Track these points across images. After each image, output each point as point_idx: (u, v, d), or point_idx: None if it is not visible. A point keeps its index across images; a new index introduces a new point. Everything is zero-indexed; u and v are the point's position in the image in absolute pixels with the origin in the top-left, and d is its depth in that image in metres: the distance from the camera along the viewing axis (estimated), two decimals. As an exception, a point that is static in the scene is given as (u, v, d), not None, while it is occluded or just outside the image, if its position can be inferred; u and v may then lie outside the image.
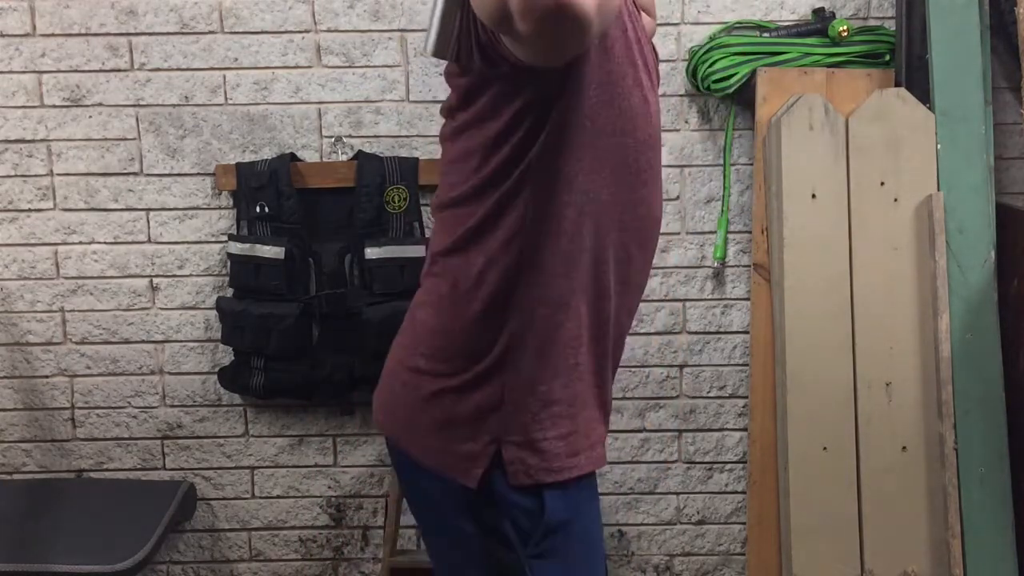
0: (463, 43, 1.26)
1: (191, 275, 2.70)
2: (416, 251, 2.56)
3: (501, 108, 1.29)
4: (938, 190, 2.45)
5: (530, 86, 1.26)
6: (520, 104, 1.28)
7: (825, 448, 2.48)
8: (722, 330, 2.74)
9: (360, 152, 2.61)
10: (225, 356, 2.69)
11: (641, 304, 1.94)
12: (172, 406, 2.76)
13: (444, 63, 1.35)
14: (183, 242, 2.68)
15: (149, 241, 2.68)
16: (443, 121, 1.42)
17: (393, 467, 1.63)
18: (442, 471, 1.42)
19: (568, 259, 1.36)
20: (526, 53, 1.16)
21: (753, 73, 2.53)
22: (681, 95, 2.63)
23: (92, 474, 2.78)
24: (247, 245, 2.55)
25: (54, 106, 2.62)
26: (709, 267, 2.70)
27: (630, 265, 1.44)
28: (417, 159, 2.60)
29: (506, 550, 1.41)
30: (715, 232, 2.68)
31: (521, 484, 1.39)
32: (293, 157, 2.61)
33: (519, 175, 1.31)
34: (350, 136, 2.64)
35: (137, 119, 2.63)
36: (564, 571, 1.43)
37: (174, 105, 2.62)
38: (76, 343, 2.72)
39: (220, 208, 2.67)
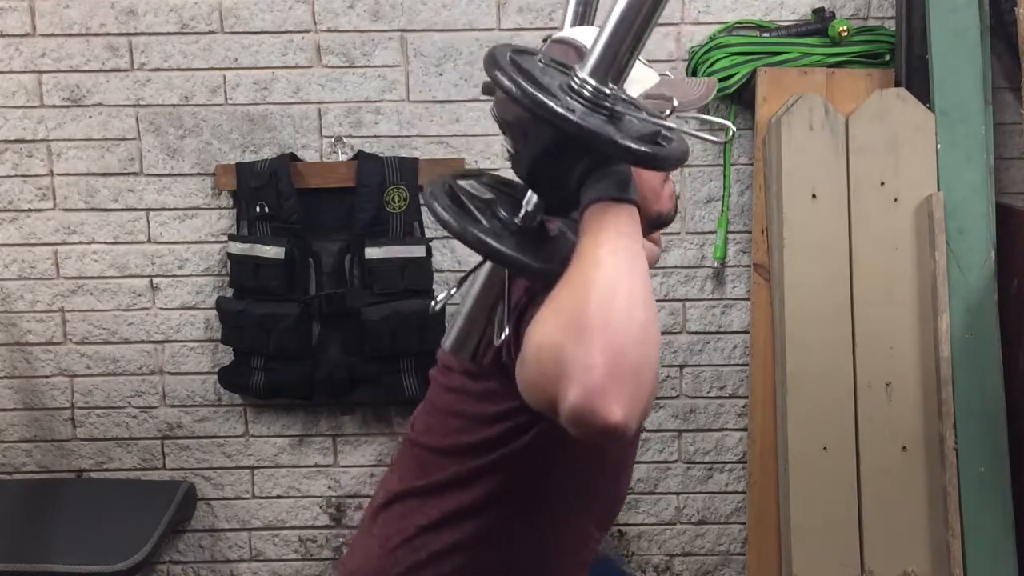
0: (484, 350, 1.21)
1: (191, 275, 2.70)
2: (416, 251, 2.56)
3: (499, 399, 1.24)
4: (938, 190, 2.45)
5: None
6: (517, 405, 1.17)
7: (825, 448, 2.48)
8: (722, 330, 2.74)
9: (360, 152, 2.61)
10: (225, 356, 2.69)
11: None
12: (172, 406, 2.76)
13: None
14: (183, 242, 2.68)
15: (149, 241, 2.68)
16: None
17: None
18: None
19: (522, 541, 1.31)
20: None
21: (753, 73, 2.53)
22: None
23: (92, 474, 2.78)
24: (247, 245, 2.55)
25: (54, 106, 2.62)
26: (709, 267, 2.70)
27: (586, 544, 1.41)
28: (417, 159, 2.60)
29: None
30: (715, 232, 2.68)
31: None
32: (293, 157, 2.61)
33: (498, 457, 1.26)
34: (350, 136, 2.64)
35: (137, 119, 2.63)
36: None
37: (174, 105, 2.62)
38: (76, 343, 2.72)
39: (220, 208, 2.67)
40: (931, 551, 2.46)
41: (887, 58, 2.56)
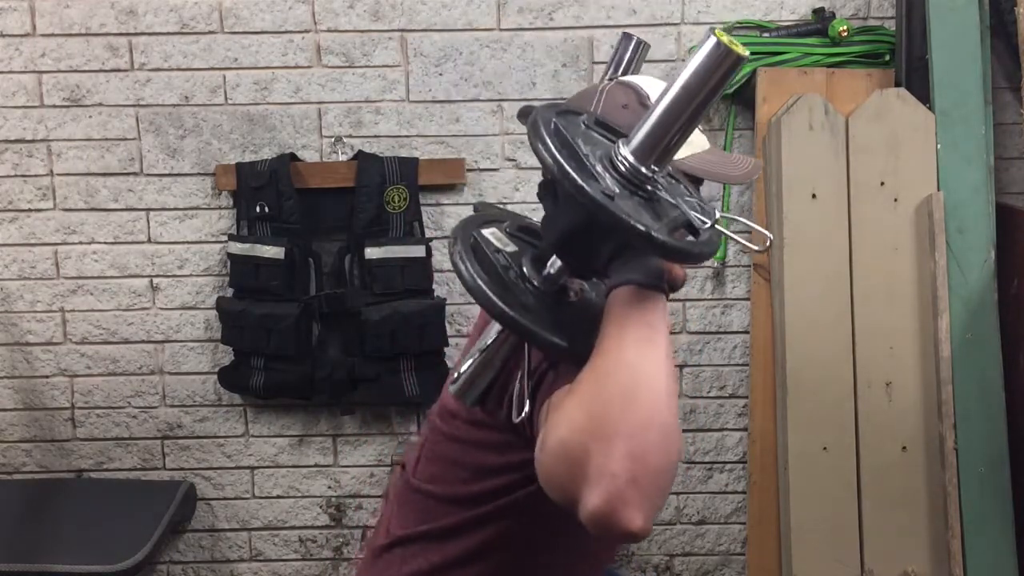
0: (492, 402, 1.17)
1: (191, 275, 2.70)
2: (416, 251, 2.56)
3: (504, 450, 1.23)
4: (938, 190, 2.45)
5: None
6: (521, 459, 1.18)
7: (825, 448, 2.48)
8: (722, 330, 2.74)
9: (360, 152, 2.61)
10: (225, 356, 2.69)
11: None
12: (172, 406, 2.76)
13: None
14: (183, 242, 2.68)
15: (149, 241, 2.68)
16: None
17: None
18: None
19: None
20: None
21: (753, 73, 2.53)
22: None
23: (92, 474, 2.78)
24: (247, 245, 2.55)
25: (54, 106, 2.62)
26: (709, 267, 2.70)
27: None
28: (417, 159, 2.60)
29: None
30: (715, 232, 2.67)
31: None
32: (293, 157, 2.61)
33: (503, 505, 1.25)
34: (350, 136, 2.64)
35: (137, 119, 2.63)
36: None
37: (174, 105, 2.62)
38: (76, 343, 2.72)
39: (220, 208, 2.67)
40: (931, 551, 2.46)
41: (887, 58, 2.56)
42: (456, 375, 1.12)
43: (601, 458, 0.85)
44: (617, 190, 0.93)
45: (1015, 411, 2.42)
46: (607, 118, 1.09)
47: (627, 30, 1.72)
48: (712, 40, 0.90)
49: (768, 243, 1.07)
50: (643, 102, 1.27)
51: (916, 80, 2.48)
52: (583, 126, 1.02)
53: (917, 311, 2.47)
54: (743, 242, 1.07)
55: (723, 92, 0.95)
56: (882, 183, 2.48)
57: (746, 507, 2.73)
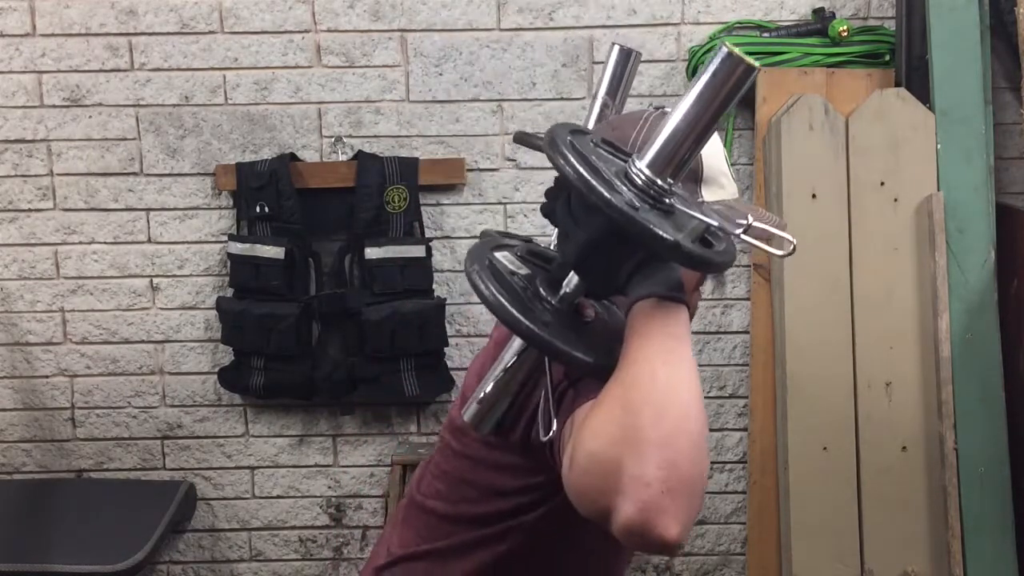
0: (511, 424, 1.15)
1: (191, 275, 2.70)
2: (416, 251, 2.56)
3: (519, 473, 1.21)
4: (938, 190, 2.45)
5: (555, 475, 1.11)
6: (536, 481, 1.19)
7: (825, 448, 2.48)
8: (722, 330, 2.73)
9: (360, 152, 2.61)
10: (225, 356, 2.69)
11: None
12: (172, 406, 2.76)
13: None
14: (183, 242, 2.68)
15: (149, 241, 2.68)
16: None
17: None
18: None
19: None
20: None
21: (753, 73, 2.52)
22: (681, 95, 2.62)
23: (92, 474, 2.78)
24: (247, 245, 2.55)
25: (54, 106, 2.62)
26: (709, 267, 2.70)
27: None
28: (417, 159, 2.60)
29: None
30: (715, 232, 2.67)
31: None
32: (293, 157, 2.61)
33: (508, 528, 1.24)
34: (350, 136, 2.64)
35: (137, 119, 2.63)
36: None
37: (174, 105, 2.62)
38: (76, 343, 2.72)
39: (220, 208, 2.67)
40: (931, 551, 2.46)
41: (887, 58, 2.56)
42: (472, 403, 1.10)
43: (635, 468, 0.85)
44: (638, 203, 0.92)
45: (1015, 411, 2.42)
46: (611, 137, 1.08)
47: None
48: (723, 51, 0.91)
49: (792, 248, 1.05)
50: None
51: (916, 80, 2.48)
52: (591, 144, 1.02)
53: (917, 311, 2.47)
54: (769, 249, 1.06)
55: (735, 103, 0.96)
56: (882, 183, 2.48)
57: (746, 507, 2.73)
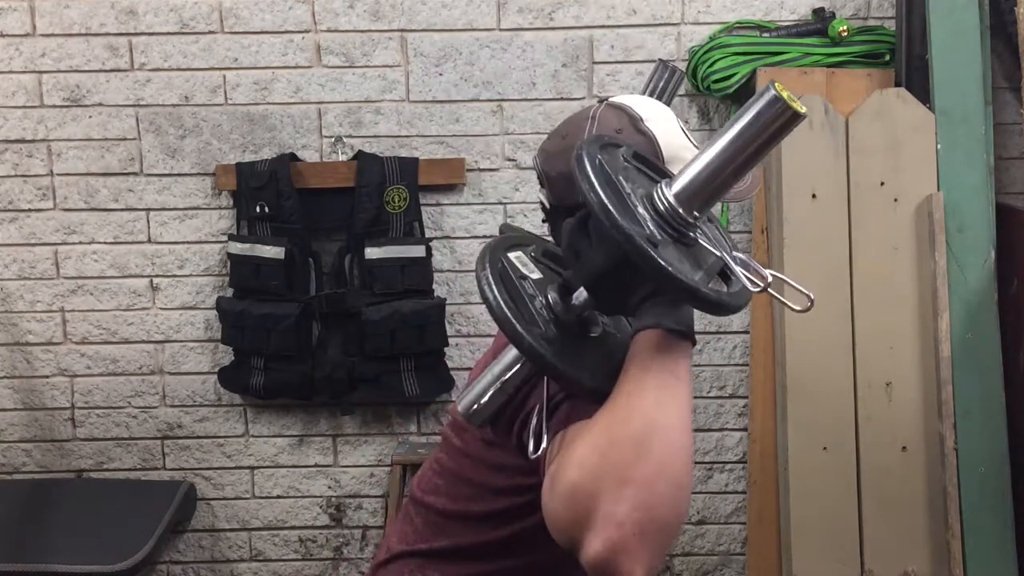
0: (503, 425, 1.15)
1: (191, 275, 2.70)
2: (416, 251, 2.56)
3: (512, 473, 1.21)
4: (938, 190, 2.45)
5: None
6: (527, 483, 1.18)
7: (825, 448, 2.48)
8: (722, 330, 2.73)
9: (360, 152, 2.61)
10: (225, 356, 2.69)
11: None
12: (172, 406, 2.76)
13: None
14: (183, 242, 2.68)
15: (149, 241, 2.68)
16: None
17: None
18: None
19: None
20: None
21: (753, 73, 2.53)
22: (681, 95, 2.63)
23: (92, 474, 2.78)
24: (247, 245, 2.55)
25: (54, 106, 2.62)
26: (709, 267, 2.70)
27: None
28: (417, 159, 2.60)
29: None
30: (715, 232, 2.67)
31: None
32: (293, 157, 2.61)
33: (506, 535, 1.24)
34: (350, 136, 2.64)
35: (137, 119, 2.63)
36: None
37: (174, 105, 2.62)
38: (76, 343, 2.72)
39: (220, 208, 2.67)
40: (931, 551, 2.46)
41: (887, 58, 2.56)
42: (466, 394, 1.10)
43: (610, 506, 0.85)
44: (660, 236, 0.91)
45: (1015, 411, 2.42)
46: (562, 147, 1.06)
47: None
48: (771, 93, 0.87)
49: (810, 304, 1.04)
50: (636, 125, 1.23)
51: (916, 80, 2.48)
52: (622, 159, 1.00)
53: (917, 311, 2.47)
54: (787, 303, 1.04)
55: (774, 147, 0.92)
56: (882, 183, 2.48)
57: (746, 507, 2.73)
